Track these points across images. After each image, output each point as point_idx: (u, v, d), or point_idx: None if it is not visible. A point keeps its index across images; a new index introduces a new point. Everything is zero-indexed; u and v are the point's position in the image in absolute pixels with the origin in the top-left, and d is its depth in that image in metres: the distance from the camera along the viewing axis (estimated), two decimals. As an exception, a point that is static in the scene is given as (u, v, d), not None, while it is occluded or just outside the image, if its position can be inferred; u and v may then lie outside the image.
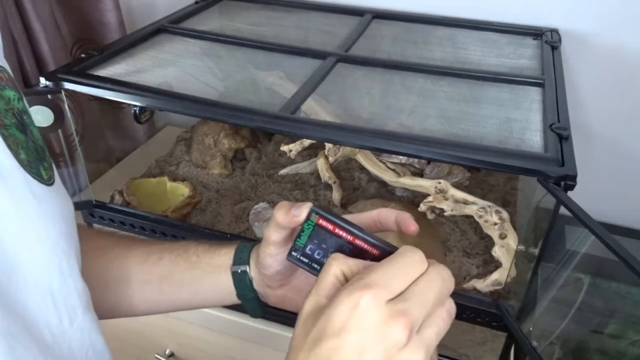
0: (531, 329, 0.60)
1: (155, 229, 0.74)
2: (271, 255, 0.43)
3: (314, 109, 0.65)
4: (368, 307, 0.29)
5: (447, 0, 0.89)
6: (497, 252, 0.66)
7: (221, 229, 0.78)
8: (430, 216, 0.74)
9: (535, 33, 0.84)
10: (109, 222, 0.77)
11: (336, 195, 0.82)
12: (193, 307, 0.51)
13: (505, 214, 0.66)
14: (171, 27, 0.81)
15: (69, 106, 0.67)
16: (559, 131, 0.56)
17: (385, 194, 0.84)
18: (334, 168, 0.84)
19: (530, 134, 0.58)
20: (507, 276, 0.65)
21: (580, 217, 0.46)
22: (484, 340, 0.66)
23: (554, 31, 0.84)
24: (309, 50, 0.75)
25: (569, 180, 0.50)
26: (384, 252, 0.36)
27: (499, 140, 0.57)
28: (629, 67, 0.85)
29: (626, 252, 0.42)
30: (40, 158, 0.35)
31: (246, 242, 0.49)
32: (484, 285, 0.66)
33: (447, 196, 0.70)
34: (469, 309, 0.61)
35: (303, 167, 0.88)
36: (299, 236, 0.37)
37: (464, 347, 0.65)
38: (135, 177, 0.87)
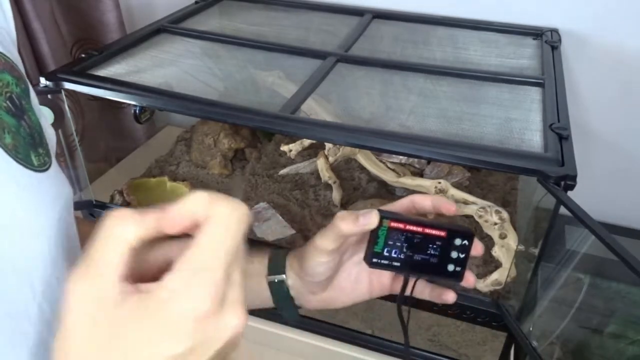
0: (531, 329, 0.60)
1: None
2: (324, 264, 0.44)
3: (314, 109, 0.65)
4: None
5: (447, 0, 0.89)
6: (497, 252, 0.66)
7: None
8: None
9: (535, 33, 0.84)
10: (109, 222, 0.76)
11: (336, 195, 0.82)
12: None
13: (505, 214, 0.66)
14: (171, 27, 0.81)
15: (69, 106, 0.67)
16: (559, 131, 0.56)
17: (385, 194, 0.84)
18: (334, 168, 0.84)
19: (530, 134, 0.58)
20: (507, 276, 0.65)
21: (580, 217, 0.46)
22: (484, 340, 0.66)
23: (554, 31, 0.84)
24: (309, 50, 0.75)
25: (569, 180, 0.50)
26: (450, 232, 0.42)
27: (499, 140, 0.57)
28: (628, 67, 0.85)
29: (626, 252, 0.42)
30: (34, 144, 0.34)
31: (278, 250, 0.50)
32: (484, 285, 0.66)
33: (447, 196, 0.70)
34: (469, 309, 0.61)
35: (303, 167, 0.88)
36: (375, 242, 0.41)
37: (464, 347, 0.65)
38: (135, 177, 0.87)
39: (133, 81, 0.65)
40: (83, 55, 0.70)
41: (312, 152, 0.89)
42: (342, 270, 0.46)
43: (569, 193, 0.49)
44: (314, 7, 0.94)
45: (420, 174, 0.81)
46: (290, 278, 0.47)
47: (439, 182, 0.70)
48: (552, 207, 0.50)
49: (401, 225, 0.41)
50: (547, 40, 0.80)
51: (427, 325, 0.68)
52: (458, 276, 0.43)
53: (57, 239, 0.35)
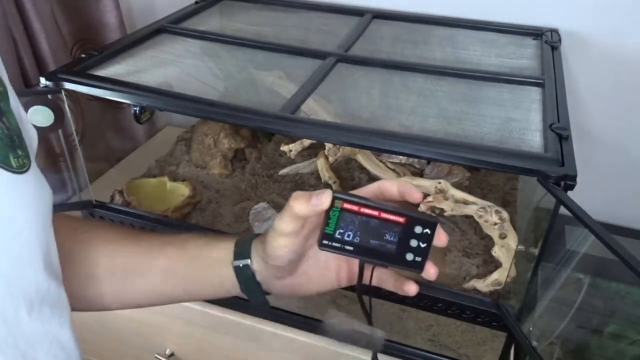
0: (531, 329, 0.60)
1: (155, 229, 0.74)
2: (284, 247, 0.42)
3: (314, 109, 0.65)
4: None
5: (447, 0, 0.89)
6: (497, 252, 0.66)
7: (221, 229, 0.78)
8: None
9: (535, 33, 0.84)
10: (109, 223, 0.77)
11: (336, 195, 0.82)
12: (199, 299, 0.52)
13: (505, 214, 0.66)
14: (171, 27, 0.81)
15: (69, 106, 0.67)
16: (558, 131, 0.56)
17: (385, 194, 0.84)
18: (334, 168, 0.84)
19: (530, 134, 0.58)
20: (507, 276, 0.65)
21: (580, 217, 0.46)
22: (484, 340, 0.66)
23: (554, 31, 0.84)
24: (309, 50, 0.75)
25: (569, 180, 0.50)
26: (410, 219, 0.39)
27: (499, 140, 0.57)
28: (628, 67, 0.85)
29: (626, 252, 0.42)
30: (12, 146, 0.34)
31: (244, 235, 0.49)
32: (484, 285, 0.66)
33: (447, 196, 0.70)
34: (469, 309, 0.61)
35: (303, 167, 0.88)
36: (326, 224, 0.39)
37: (464, 347, 0.65)
38: (135, 177, 0.87)
39: (133, 81, 0.65)
40: (83, 55, 0.70)
41: (312, 152, 0.89)
42: (308, 256, 0.46)
43: (569, 193, 0.49)
44: (314, 7, 0.94)
45: (420, 174, 0.81)
46: (256, 262, 0.47)
47: (439, 182, 0.70)
48: (552, 207, 0.50)
49: (355, 208, 0.39)
50: (547, 40, 0.80)
51: (427, 325, 0.68)
52: (418, 267, 0.41)
53: (35, 240, 0.35)
